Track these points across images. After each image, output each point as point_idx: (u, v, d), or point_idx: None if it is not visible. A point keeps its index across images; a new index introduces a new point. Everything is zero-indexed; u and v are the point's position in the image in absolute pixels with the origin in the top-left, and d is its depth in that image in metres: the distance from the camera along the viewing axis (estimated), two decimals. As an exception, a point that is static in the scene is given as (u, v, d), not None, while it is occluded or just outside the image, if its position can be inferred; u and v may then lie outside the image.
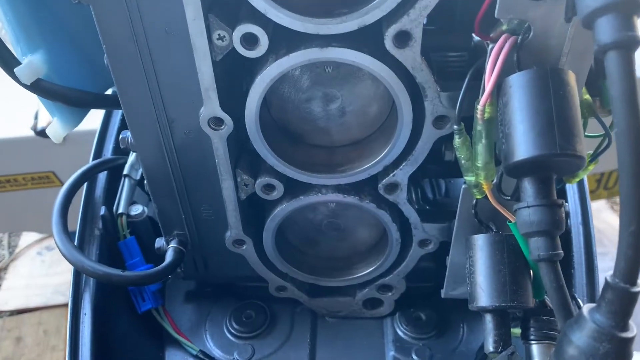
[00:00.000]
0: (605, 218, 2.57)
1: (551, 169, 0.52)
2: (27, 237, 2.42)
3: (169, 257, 0.81)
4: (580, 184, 0.87)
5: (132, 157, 0.94)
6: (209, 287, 0.98)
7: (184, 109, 0.68)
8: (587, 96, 0.65)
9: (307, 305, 0.93)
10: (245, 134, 0.69)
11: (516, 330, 0.70)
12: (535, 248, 0.53)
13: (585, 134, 0.65)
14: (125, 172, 0.93)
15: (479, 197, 0.64)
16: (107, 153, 0.98)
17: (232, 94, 0.68)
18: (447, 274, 0.78)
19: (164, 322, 0.90)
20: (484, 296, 0.64)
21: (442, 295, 0.81)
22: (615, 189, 2.33)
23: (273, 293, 0.91)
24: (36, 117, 1.61)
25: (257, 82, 0.63)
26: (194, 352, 0.88)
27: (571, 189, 0.87)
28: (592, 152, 0.66)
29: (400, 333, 0.91)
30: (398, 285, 0.88)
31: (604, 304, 0.44)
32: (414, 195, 0.87)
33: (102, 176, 0.94)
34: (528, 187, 0.53)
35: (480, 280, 0.65)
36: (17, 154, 1.62)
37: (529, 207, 0.52)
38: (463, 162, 0.61)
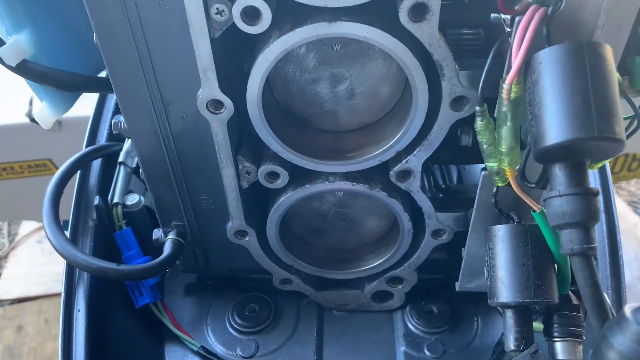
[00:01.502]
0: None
1: (585, 154, 0.47)
2: (27, 226, 2.39)
3: (167, 249, 0.77)
4: (602, 170, 0.82)
5: (127, 143, 0.89)
6: (210, 279, 0.94)
7: (180, 91, 0.63)
8: (616, 75, 0.60)
9: (313, 298, 0.88)
10: (247, 118, 0.64)
11: (537, 325, 0.65)
12: (567, 241, 0.48)
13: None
14: (120, 159, 0.88)
15: (500, 184, 0.59)
16: (102, 139, 0.93)
17: (232, 74, 0.63)
18: (462, 266, 0.74)
19: (163, 317, 0.85)
20: (505, 291, 0.59)
21: (457, 289, 0.76)
22: (621, 174, 2.28)
23: (277, 286, 0.86)
24: (31, 104, 1.56)
25: (260, 61, 0.58)
26: (195, 348, 0.84)
27: (592, 174, 0.82)
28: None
29: (411, 327, 0.86)
30: (409, 278, 0.83)
31: (651, 305, 0.39)
32: (426, 183, 0.82)
33: (97, 164, 0.89)
34: (559, 174, 0.48)
35: (502, 274, 0.60)
36: (13, 142, 1.58)
37: (561, 196, 0.48)
38: (485, 147, 0.56)
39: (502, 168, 0.56)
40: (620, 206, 2.52)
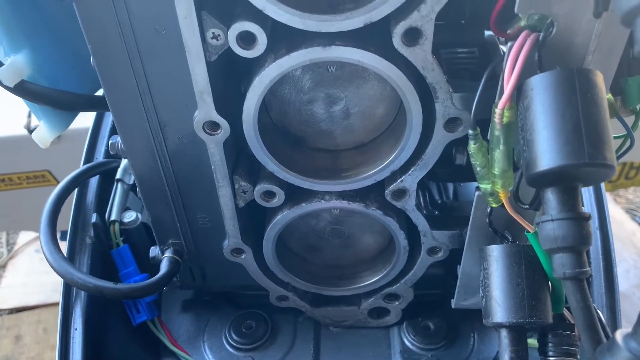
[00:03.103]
0: (609, 211, 2.53)
1: (577, 179, 0.48)
2: (26, 235, 2.39)
3: (163, 267, 0.77)
4: (597, 186, 0.82)
5: (125, 160, 0.89)
6: (207, 295, 0.94)
7: (177, 113, 0.63)
8: (609, 96, 0.60)
9: (309, 315, 0.88)
10: (243, 138, 0.64)
11: (532, 342, 0.65)
12: (559, 265, 0.48)
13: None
14: (118, 176, 0.89)
15: (494, 205, 0.59)
16: (99, 156, 0.94)
17: (228, 96, 0.64)
18: (458, 284, 0.74)
19: (160, 334, 0.86)
20: (500, 311, 0.60)
21: (453, 306, 0.77)
22: (619, 182, 2.29)
23: (274, 303, 0.86)
24: (29, 116, 1.57)
25: (255, 84, 0.59)
26: (192, 366, 0.84)
27: (587, 191, 0.83)
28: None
29: (407, 343, 0.86)
30: (405, 294, 0.84)
31: (641, 331, 0.40)
32: (421, 200, 0.83)
33: (94, 181, 0.90)
34: (551, 199, 0.49)
35: (496, 294, 0.60)
36: (11, 153, 1.59)
37: (553, 220, 0.48)
38: (478, 169, 0.57)
39: (496, 190, 0.56)
40: (618, 214, 2.53)
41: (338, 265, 0.85)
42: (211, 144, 0.65)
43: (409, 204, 0.71)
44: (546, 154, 0.46)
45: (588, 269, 0.48)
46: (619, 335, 0.42)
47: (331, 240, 0.82)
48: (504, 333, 0.61)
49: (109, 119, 0.98)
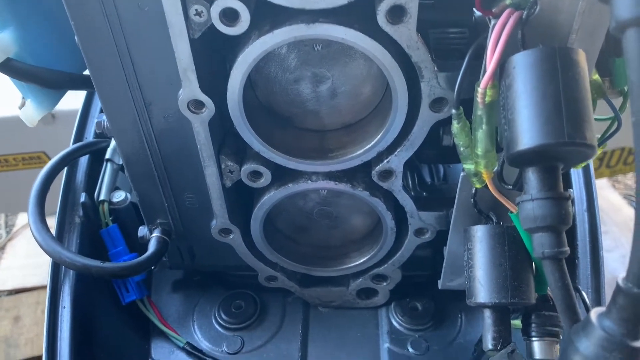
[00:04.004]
0: (607, 196, 2.53)
1: (558, 159, 0.48)
2: (24, 217, 2.39)
3: (151, 247, 0.77)
4: (586, 169, 0.82)
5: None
6: (197, 276, 0.94)
7: (161, 91, 0.63)
8: (596, 76, 0.60)
9: (298, 295, 0.89)
10: (229, 118, 0.64)
11: (516, 322, 0.66)
12: (539, 244, 0.48)
13: (594, 116, 0.61)
14: (107, 156, 0.88)
15: (478, 186, 0.59)
16: (89, 136, 0.93)
17: (213, 74, 0.63)
18: (444, 265, 0.74)
19: (149, 313, 0.86)
20: (483, 292, 0.60)
21: (440, 287, 0.77)
22: (617, 167, 2.29)
23: (263, 283, 0.87)
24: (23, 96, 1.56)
25: (239, 62, 0.58)
26: (181, 344, 0.85)
27: (576, 173, 0.82)
28: (599, 135, 0.61)
29: (395, 324, 0.87)
30: (393, 275, 0.84)
31: (615, 310, 0.40)
32: (410, 181, 0.83)
33: (84, 160, 0.90)
34: (532, 178, 0.49)
35: (480, 274, 0.61)
36: (6, 134, 1.58)
37: (532, 200, 0.48)
38: (462, 149, 0.56)
39: (479, 170, 0.56)
40: (617, 199, 2.53)
41: (326, 246, 0.85)
42: (196, 122, 0.64)
43: (395, 185, 0.71)
44: (526, 133, 0.46)
45: (567, 248, 0.48)
46: (593, 314, 0.42)
47: (319, 221, 0.82)
48: (487, 313, 0.62)
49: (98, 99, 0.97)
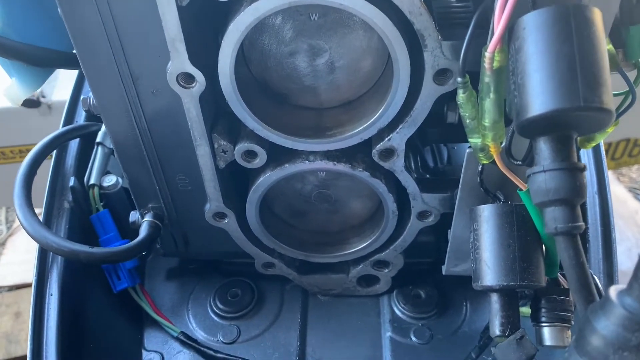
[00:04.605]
0: (612, 189, 2.49)
1: (572, 126, 0.44)
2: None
3: (142, 232, 0.74)
4: (596, 149, 0.79)
5: (106, 123, 0.86)
6: (192, 264, 0.91)
7: (149, 64, 0.60)
8: (610, 46, 0.56)
9: (297, 283, 0.85)
10: (223, 95, 0.61)
11: (525, 310, 0.62)
12: (551, 219, 0.45)
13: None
14: (98, 139, 0.85)
15: (485, 162, 0.56)
16: (80, 120, 0.90)
17: (205, 47, 0.60)
18: (448, 249, 0.71)
19: (142, 301, 0.83)
20: (490, 274, 0.57)
21: (444, 272, 0.74)
22: (622, 159, 2.25)
23: (260, 270, 0.83)
24: (20, 87, 1.53)
25: (230, 31, 0.55)
26: (175, 334, 0.81)
27: (586, 154, 0.79)
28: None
29: (398, 312, 0.84)
30: (395, 261, 0.81)
31: (637, 285, 0.36)
32: (412, 163, 0.79)
33: (74, 144, 0.86)
34: (544, 148, 0.45)
35: (486, 256, 0.57)
36: (4, 127, 1.56)
37: (545, 171, 0.45)
38: (468, 121, 0.53)
39: (486, 144, 0.53)
40: (622, 192, 2.49)
41: (325, 232, 0.82)
42: (186, 98, 0.61)
43: (397, 165, 0.67)
44: (538, 98, 0.42)
45: (582, 223, 0.45)
46: (613, 291, 0.38)
47: (318, 205, 0.78)
48: (494, 298, 0.58)
49: (90, 82, 0.94)
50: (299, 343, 0.81)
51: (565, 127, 0.44)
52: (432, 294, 0.85)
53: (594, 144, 0.61)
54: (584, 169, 0.44)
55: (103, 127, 0.86)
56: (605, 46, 0.43)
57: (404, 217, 0.75)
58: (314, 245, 0.81)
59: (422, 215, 0.73)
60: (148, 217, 0.75)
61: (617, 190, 2.52)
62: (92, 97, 0.65)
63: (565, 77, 0.41)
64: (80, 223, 0.80)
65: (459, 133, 0.62)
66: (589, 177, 0.77)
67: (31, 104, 1.54)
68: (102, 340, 0.78)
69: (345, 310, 0.85)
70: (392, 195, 0.71)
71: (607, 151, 2.12)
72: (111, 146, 0.85)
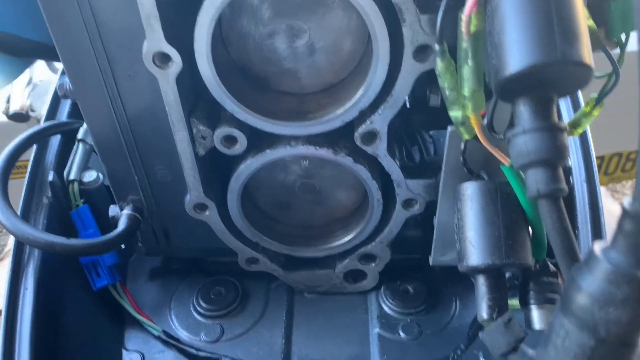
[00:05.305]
0: (607, 206, 2.48)
1: (551, 84, 0.43)
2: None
3: (121, 224, 0.72)
4: (583, 137, 0.77)
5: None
6: (175, 264, 0.89)
7: (125, 44, 0.59)
8: (590, 22, 0.56)
9: (282, 280, 0.83)
10: (202, 79, 0.60)
11: (514, 302, 0.60)
12: (533, 182, 0.43)
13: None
14: (79, 136, 0.84)
15: (467, 137, 0.55)
16: (62, 117, 0.88)
17: (182, 26, 0.59)
18: (434, 237, 0.69)
19: (122, 300, 0.80)
20: (475, 253, 0.55)
21: (431, 263, 0.72)
22: (615, 174, 2.24)
23: (243, 266, 0.81)
24: (8, 101, 1.53)
25: (206, 6, 0.54)
26: (156, 333, 0.79)
27: (573, 142, 0.78)
28: (595, 94, 0.57)
29: (385, 308, 0.81)
30: (382, 254, 0.79)
31: (622, 238, 0.35)
32: (397, 154, 0.78)
33: (55, 141, 0.85)
34: (524, 111, 0.44)
35: (471, 235, 0.56)
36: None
37: (525, 132, 0.43)
38: (447, 92, 0.52)
39: (467, 116, 0.52)
40: (616, 209, 2.48)
41: (310, 225, 0.80)
42: (163, 79, 0.60)
43: (380, 149, 0.66)
44: (516, 55, 0.41)
45: (564, 186, 0.43)
46: (597, 247, 0.37)
47: (302, 196, 0.77)
48: (481, 280, 0.57)
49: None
50: (284, 341, 0.79)
51: (545, 86, 0.43)
52: (421, 289, 0.82)
53: (581, 130, 0.60)
54: (564, 129, 0.43)
55: (85, 125, 0.85)
56: (581, 1, 0.42)
57: (389, 207, 0.74)
58: (299, 238, 0.79)
59: (407, 203, 0.72)
60: (127, 210, 0.74)
61: (612, 207, 2.51)
62: (68, 82, 0.64)
63: (543, 32, 0.40)
64: (59, 219, 0.78)
65: (441, 117, 0.61)
66: (577, 165, 0.76)
67: (20, 118, 1.52)
68: (79, 338, 0.76)
69: (332, 308, 0.83)
70: (376, 182, 0.69)
71: (599, 166, 2.11)
72: (92, 143, 0.84)
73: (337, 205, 0.78)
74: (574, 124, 0.59)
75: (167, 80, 0.60)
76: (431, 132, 0.86)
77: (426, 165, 0.79)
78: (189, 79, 0.62)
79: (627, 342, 0.35)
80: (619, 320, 0.34)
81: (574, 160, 0.76)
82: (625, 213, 0.34)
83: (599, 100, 0.58)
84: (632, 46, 0.60)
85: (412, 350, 0.76)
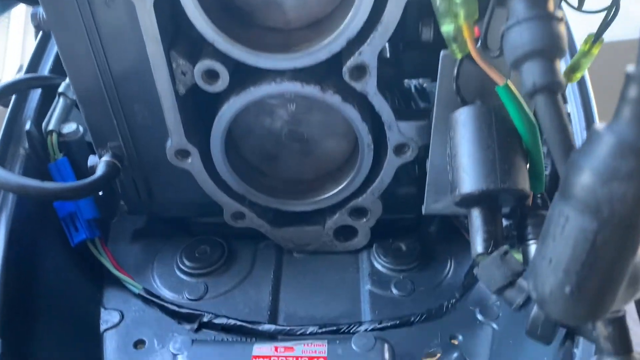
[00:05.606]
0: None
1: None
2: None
3: (100, 170, 0.69)
4: (582, 83, 0.74)
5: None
6: (160, 224, 0.85)
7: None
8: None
9: (270, 237, 0.80)
10: (184, 12, 0.57)
11: (517, 256, 0.57)
12: (529, 75, 0.40)
13: (584, 9, 0.54)
14: (60, 90, 0.80)
15: (459, 55, 0.52)
16: (44, 73, 0.85)
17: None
18: (427, 181, 0.66)
19: (101, 256, 0.77)
20: (468, 180, 0.52)
21: (424, 212, 0.68)
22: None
23: (229, 222, 0.78)
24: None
25: None
26: (137, 291, 0.75)
27: (571, 91, 0.75)
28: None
29: (377, 265, 0.78)
30: (373, 208, 0.75)
31: (626, 107, 0.31)
32: (389, 97, 0.75)
33: (35, 95, 0.82)
34: (517, 2, 0.41)
35: (464, 162, 0.53)
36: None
37: (519, 22, 0.40)
38: (438, 2, 0.49)
39: (459, 27, 0.49)
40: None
41: (299, 179, 0.77)
42: (140, 5, 0.57)
43: (370, 86, 0.63)
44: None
45: (562, 80, 0.40)
46: (598, 126, 0.33)
47: (290, 145, 0.74)
48: (475, 213, 0.54)
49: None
50: (271, 298, 0.75)
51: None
52: (414, 246, 0.79)
53: (579, 75, 0.57)
54: (561, 18, 0.40)
55: (67, 80, 0.82)
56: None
57: (380, 155, 0.70)
58: (287, 192, 0.76)
59: (399, 149, 0.69)
60: (106, 157, 0.70)
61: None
62: (41, 11, 0.61)
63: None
64: (36, 172, 0.75)
65: (434, 56, 0.58)
66: (575, 112, 0.73)
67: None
68: (55, 295, 0.72)
69: (322, 267, 0.80)
70: (366, 124, 0.66)
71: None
72: (74, 98, 0.81)
73: (326, 156, 0.75)
74: (573, 68, 0.56)
75: (144, 5, 0.57)
76: (424, 85, 0.83)
77: (418, 108, 0.76)
78: (169, 8, 0.59)
79: (632, 222, 0.32)
80: (623, 197, 0.31)
81: (573, 107, 0.73)
82: (629, 79, 0.31)
83: (598, 36, 0.55)
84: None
85: (405, 306, 0.73)
